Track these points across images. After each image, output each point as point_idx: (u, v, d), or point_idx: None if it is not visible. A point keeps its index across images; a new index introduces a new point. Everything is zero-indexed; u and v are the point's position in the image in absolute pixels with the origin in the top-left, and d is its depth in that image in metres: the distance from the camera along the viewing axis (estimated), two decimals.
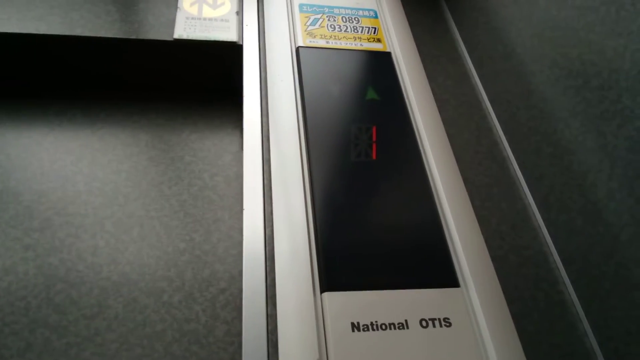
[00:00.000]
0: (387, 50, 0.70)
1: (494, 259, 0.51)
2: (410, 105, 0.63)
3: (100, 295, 0.52)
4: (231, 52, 0.68)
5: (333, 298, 0.44)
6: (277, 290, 0.45)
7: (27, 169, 0.62)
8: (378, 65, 0.67)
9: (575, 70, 0.51)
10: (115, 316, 0.51)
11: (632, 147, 0.44)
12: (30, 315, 0.50)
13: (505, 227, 0.54)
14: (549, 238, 0.54)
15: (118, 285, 0.53)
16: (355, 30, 0.71)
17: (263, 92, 0.63)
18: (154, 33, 0.66)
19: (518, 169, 0.60)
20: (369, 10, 0.75)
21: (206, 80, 0.73)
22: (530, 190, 0.57)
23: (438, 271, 0.48)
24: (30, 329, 0.49)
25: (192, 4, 0.71)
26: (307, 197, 0.52)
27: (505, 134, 0.63)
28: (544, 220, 0.55)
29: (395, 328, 0.43)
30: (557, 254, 0.52)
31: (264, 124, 0.59)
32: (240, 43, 0.68)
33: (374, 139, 0.59)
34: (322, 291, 0.45)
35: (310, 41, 0.68)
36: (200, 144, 0.69)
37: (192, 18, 0.69)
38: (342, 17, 0.73)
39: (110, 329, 0.50)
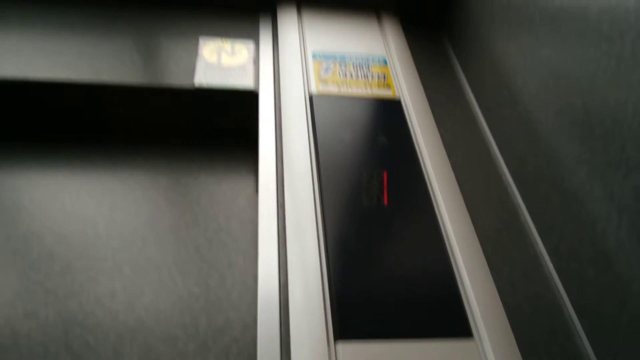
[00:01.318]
0: (397, 96, 0.72)
1: (507, 308, 0.51)
2: (420, 150, 0.65)
3: (117, 342, 0.53)
4: (248, 99, 0.71)
5: (347, 348, 0.45)
6: (291, 339, 0.45)
7: (50, 212, 0.64)
8: (388, 111, 0.70)
9: (580, 119, 0.52)
10: None
11: (639, 197, 0.45)
12: None
13: (517, 275, 0.55)
14: (562, 288, 0.54)
15: (134, 331, 0.54)
16: (366, 77, 0.74)
17: (278, 138, 0.65)
18: (175, 80, 0.70)
19: (528, 216, 0.60)
20: (378, 57, 0.78)
21: (223, 125, 0.76)
22: (541, 238, 0.58)
23: (451, 321, 0.48)
24: None
25: (211, 53, 0.75)
26: (320, 243, 0.53)
27: (514, 180, 0.64)
28: (556, 270, 0.55)
29: None
30: (570, 305, 0.53)
31: (278, 169, 0.61)
32: (257, 90, 0.70)
33: (385, 184, 0.60)
34: (335, 339, 0.45)
35: (323, 88, 0.71)
36: (216, 187, 0.71)
37: (212, 66, 0.73)
38: (353, 65, 0.76)
39: None
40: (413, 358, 0.45)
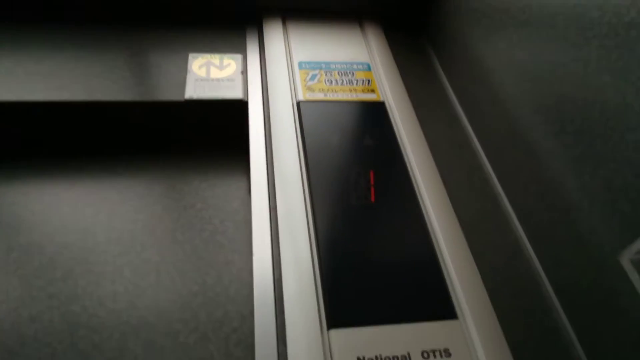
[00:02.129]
0: (381, 99, 0.76)
1: (490, 290, 0.54)
2: (404, 149, 0.69)
3: (121, 339, 0.55)
4: (237, 108, 0.74)
5: (339, 334, 0.47)
6: (287, 329, 0.48)
7: (50, 223, 0.67)
8: (373, 114, 0.73)
9: (552, 117, 0.56)
10: (135, 358, 0.54)
11: (608, 187, 0.48)
12: None
13: (499, 260, 0.58)
14: (541, 269, 0.57)
15: (137, 328, 0.56)
16: (351, 83, 0.78)
17: (268, 144, 0.68)
18: (166, 94, 0.73)
19: (509, 205, 0.64)
20: (362, 63, 0.82)
21: (215, 134, 0.79)
22: (521, 225, 0.61)
23: (437, 305, 0.51)
24: None
25: (200, 67, 0.78)
26: (311, 240, 0.56)
27: (494, 171, 0.67)
28: (535, 253, 0.58)
29: None
30: (549, 284, 0.56)
31: (269, 174, 0.64)
32: (246, 100, 0.74)
33: (372, 182, 0.63)
34: (329, 328, 0.48)
35: (310, 95, 0.74)
36: (210, 191, 0.74)
37: (201, 79, 0.76)
38: (338, 72, 0.79)
39: None
40: (402, 340, 0.48)
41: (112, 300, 0.59)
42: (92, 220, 0.68)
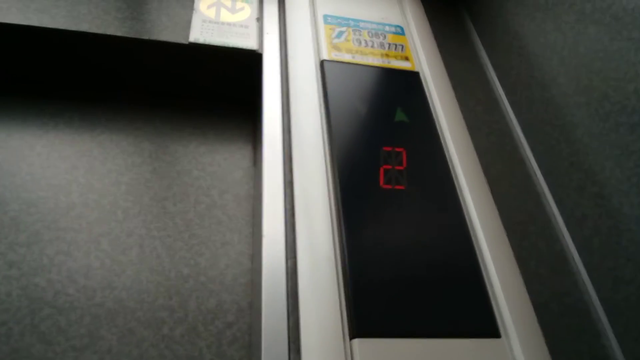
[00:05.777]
0: (416, 69, 0.66)
1: (535, 306, 0.46)
2: (441, 129, 0.59)
3: (92, 324, 0.46)
4: (250, 61, 0.63)
5: (364, 345, 0.39)
6: (301, 333, 0.39)
7: (16, 174, 0.56)
8: (407, 85, 0.63)
9: (631, 106, 0.47)
10: (109, 349, 0.45)
11: None
12: (12, 344, 0.44)
13: (544, 270, 0.50)
14: (590, 285, 0.49)
15: (113, 313, 0.47)
16: (382, 47, 0.67)
17: (284, 106, 0.58)
18: (167, 34, 0.61)
19: (555, 207, 0.56)
20: (395, 26, 0.71)
21: (219, 89, 0.68)
22: (569, 231, 0.53)
23: (478, 319, 0.43)
24: None
25: (209, 7, 0.66)
26: (334, 227, 0.47)
27: (540, 167, 0.59)
28: (584, 265, 0.50)
29: None
30: (599, 303, 0.48)
31: (285, 142, 0.54)
32: (260, 52, 0.63)
33: (405, 164, 0.54)
34: (352, 337, 0.39)
35: (336, 55, 0.64)
36: (209, 157, 0.63)
37: (209, 21, 0.64)
38: (367, 32, 0.69)
39: None
40: (435, 357, 0.40)
41: (84, 276, 0.49)
42: (66, 176, 0.57)
